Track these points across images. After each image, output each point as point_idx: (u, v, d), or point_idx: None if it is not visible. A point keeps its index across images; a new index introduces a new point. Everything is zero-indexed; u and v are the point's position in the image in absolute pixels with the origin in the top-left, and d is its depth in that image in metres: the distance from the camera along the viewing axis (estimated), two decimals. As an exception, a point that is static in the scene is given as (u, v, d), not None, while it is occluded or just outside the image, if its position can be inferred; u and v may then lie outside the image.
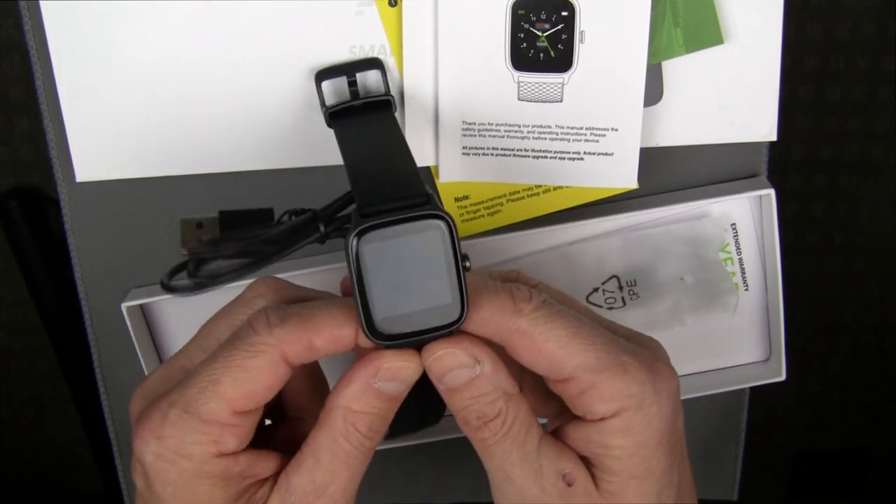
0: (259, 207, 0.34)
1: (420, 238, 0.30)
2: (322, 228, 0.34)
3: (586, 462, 0.32)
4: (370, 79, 0.42)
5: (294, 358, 0.31)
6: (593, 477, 0.32)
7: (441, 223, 0.29)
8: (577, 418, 0.33)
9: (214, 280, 0.32)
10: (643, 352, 0.32)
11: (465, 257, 0.30)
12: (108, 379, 0.49)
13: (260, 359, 0.30)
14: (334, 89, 0.42)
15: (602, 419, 0.31)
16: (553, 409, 0.37)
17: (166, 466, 0.30)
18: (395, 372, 0.31)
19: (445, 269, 0.30)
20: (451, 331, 0.31)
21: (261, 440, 0.33)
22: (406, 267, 0.30)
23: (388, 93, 0.41)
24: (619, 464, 0.32)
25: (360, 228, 0.29)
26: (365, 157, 0.35)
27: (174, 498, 0.31)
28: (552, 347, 0.31)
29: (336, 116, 0.40)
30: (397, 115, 0.43)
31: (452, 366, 0.31)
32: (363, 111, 0.40)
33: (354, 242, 0.29)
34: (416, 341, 0.31)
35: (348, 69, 0.41)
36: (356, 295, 0.30)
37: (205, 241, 0.32)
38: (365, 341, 0.31)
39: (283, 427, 0.36)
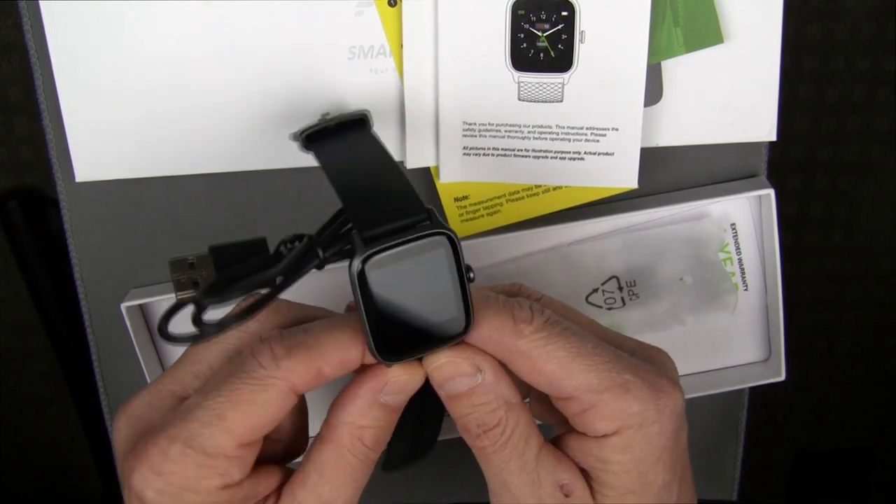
0: (251, 238, 0.33)
1: (424, 257, 0.29)
2: (321, 254, 0.33)
3: (585, 474, 0.32)
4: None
5: (303, 387, 0.31)
6: (591, 489, 0.32)
7: (444, 239, 0.29)
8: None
9: (222, 328, 0.31)
10: (647, 368, 0.32)
11: (468, 268, 0.30)
12: (108, 379, 0.49)
13: (269, 392, 0.30)
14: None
15: (603, 436, 0.31)
16: (560, 416, 0.37)
17: (170, 502, 0.30)
18: (402, 386, 0.32)
19: (450, 283, 0.30)
20: (455, 343, 0.31)
21: None
22: (411, 286, 0.30)
23: (362, 110, 0.40)
24: (616, 479, 0.32)
25: (364, 256, 0.29)
26: (353, 178, 0.34)
27: None
28: (552, 369, 0.31)
29: (312, 139, 0.38)
30: (397, 117, 0.43)
31: (454, 374, 0.32)
32: (339, 131, 0.39)
33: (359, 269, 0.29)
34: (422, 356, 0.31)
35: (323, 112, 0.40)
36: (363, 320, 0.29)
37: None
38: (371, 360, 0.31)
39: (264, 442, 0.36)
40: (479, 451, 0.33)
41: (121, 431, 0.32)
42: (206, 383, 0.31)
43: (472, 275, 0.30)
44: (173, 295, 0.45)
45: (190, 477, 0.30)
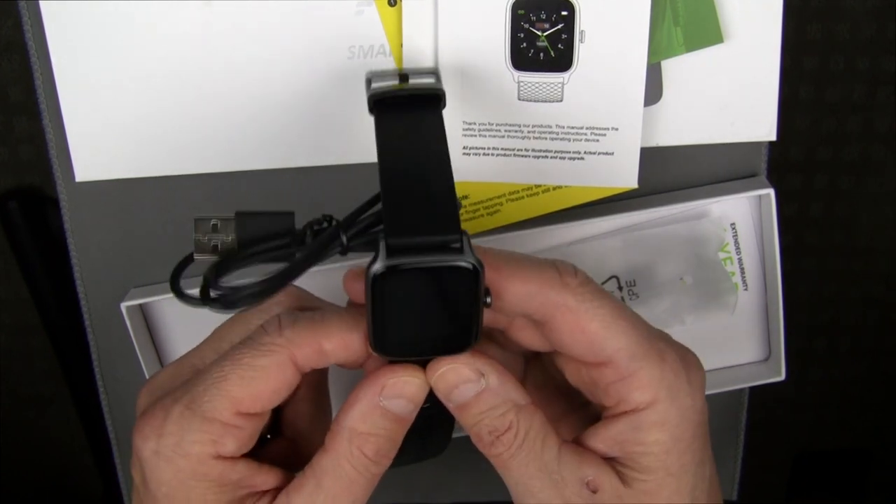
0: (278, 210, 0.33)
1: (444, 279, 0.29)
2: (344, 240, 0.33)
3: (614, 463, 0.31)
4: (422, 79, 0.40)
5: (303, 361, 0.31)
6: (624, 478, 0.31)
7: (470, 268, 0.28)
8: (588, 422, 0.32)
9: (234, 307, 0.31)
10: (674, 341, 0.32)
11: (487, 292, 0.29)
12: (108, 379, 0.49)
13: (269, 358, 0.30)
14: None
15: (633, 411, 0.30)
16: (557, 411, 0.36)
17: (162, 464, 0.30)
18: (401, 388, 0.31)
19: (465, 306, 0.29)
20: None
21: (259, 453, 0.32)
22: (425, 299, 0.29)
23: (439, 87, 0.39)
24: (657, 461, 0.31)
25: (384, 265, 0.28)
26: (401, 170, 0.32)
27: (167, 498, 0.30)
28: (596, 327, 0.30)
29: (379, 104, 0.37)
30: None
31: (457, 381, 0.31)
32: (409, 104, 0.37)
33: (375, 275, 0.28)
34: (420, 358, 0.31)
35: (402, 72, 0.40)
36: (369, 317, 0.29)
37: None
38: (374, 355, 0.31)
39: (280, 441, 0.35)
40: (497, 460, 0.32)
41: (141, 400, 0.33)
42: (221, 355, 0.32)
43: (489, 300, 0.30)
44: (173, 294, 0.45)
45: (184, 440, 0.30)
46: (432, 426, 0.33)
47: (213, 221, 0.34)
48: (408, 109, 0.36)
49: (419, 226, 0.29)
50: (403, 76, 0.40)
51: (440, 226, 0.29)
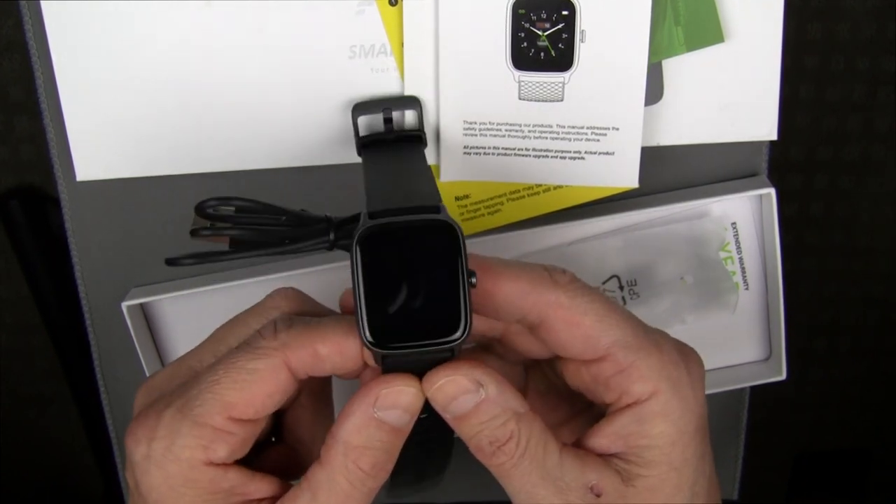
0: (274, 205, 0.35)
1: (426, 247, 0.29)
2: (332, 236, 0.34)
3: (617, 461, 0.31)
4: (406, 115, 0.42)
5: (298, 365, 0.30)
6: (626, 475, 0.31)
7: (450, 233, 0.29)
8: (589, 422, 0.32)
9: (217, 251, 0.32)
10: (671, 336, 0.32)
11: (471, 273, 0.29)
12: (109, 378, 0.49)
13: (262, 361, 0.30)
14: (368, 122, 0.42)
15: (636, 403, 0.30)
16: (560, 416, 0.36)
17: (153, 469, 0.30)
18: (395, 398, 0.30)
19: (451, 282, 0.29)
20: (452, 346, 0.30)
21: (256, 459, 0.32)
22: (411, 276, 0.29)
23: (421, 129, 0.42)
24: (661, 454, 0.30)
25: (366, 227, 0.29)
26: (386, 177, 0.35)
27: None
28: (590, 321, 0.30)
29: (367, 146, 0.41)
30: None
31: (455, 393, 0.30)
32: (394, 143, 0.41)
33: (359, 242, 0.29)
34: (416, 353, 0.30)
35: (385, 105, 0.42)
36: (357, 298, 0.29)
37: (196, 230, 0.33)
38: (369, 356, 0.30)
39: (280, 448, 0.35)
40: (498, 469, 0.31)
41: (138, 401, 0.33)
42: (217, 359, 0.31)
43: (474, 280, 0.29)
44: (174, 294, 0.45)
45: (175, 445, 0.29)
46: (430, 440, 0.33)
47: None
48: (393, 145, 0.41)
49: (398, 199, 0.30)
50: (387, 117, 0.42)
51: (418, 199, 0.30)
